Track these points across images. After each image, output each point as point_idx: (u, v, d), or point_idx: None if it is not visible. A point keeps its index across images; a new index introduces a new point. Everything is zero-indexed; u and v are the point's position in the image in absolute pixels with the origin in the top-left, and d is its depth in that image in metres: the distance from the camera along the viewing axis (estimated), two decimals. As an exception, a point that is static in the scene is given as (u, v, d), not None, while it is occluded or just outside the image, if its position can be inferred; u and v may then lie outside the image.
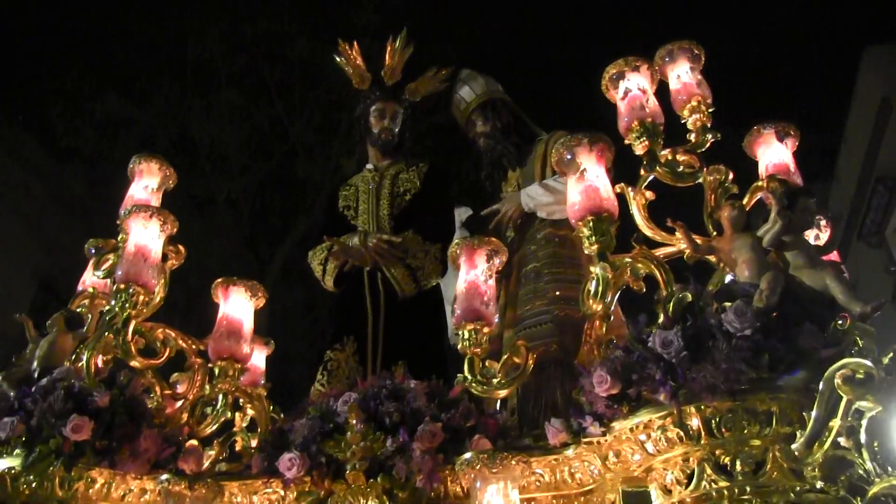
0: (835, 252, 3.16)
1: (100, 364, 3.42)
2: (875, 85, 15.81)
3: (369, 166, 4.77)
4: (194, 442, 3.35)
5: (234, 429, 3.59)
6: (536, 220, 4.37)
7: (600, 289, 2.89)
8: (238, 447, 3.53)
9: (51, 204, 13.11)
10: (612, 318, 3.06)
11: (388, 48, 4.77)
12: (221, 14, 13.99)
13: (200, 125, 14.01)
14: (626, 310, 3.38)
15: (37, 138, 13.36)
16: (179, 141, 14.06)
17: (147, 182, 3.77)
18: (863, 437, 2.37)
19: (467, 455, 2.72)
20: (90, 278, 3.84)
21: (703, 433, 2.54)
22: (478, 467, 2.67)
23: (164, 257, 3.62)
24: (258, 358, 4.14)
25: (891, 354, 2.48)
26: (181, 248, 3.71)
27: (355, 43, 4.79)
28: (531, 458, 2.79)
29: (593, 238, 2.92)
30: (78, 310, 3.70)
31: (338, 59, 4.83)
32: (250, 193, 14.39)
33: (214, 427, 3.36)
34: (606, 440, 2.71)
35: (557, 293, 4.04)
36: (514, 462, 2.72)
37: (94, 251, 3.79)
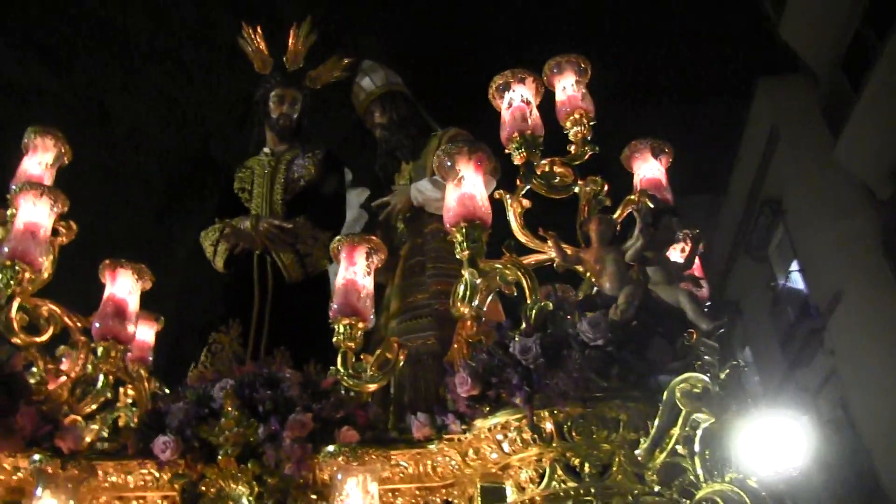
0: (697, 266, 3.37)
1: None
2: (765, 113, 17.42)
3: (266, 150, 4.90)
4: (76, 418, 3.43)
5: (119, 404, 3.69)
6: (425, 214, 4.55)
7: (468, 293, 3.05)
8: (121, 423, 3.64)
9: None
10: (488, 315, 3.24)
11: (291, 34, 4.89)
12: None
13: (119, 99, 13.95)
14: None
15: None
16: (97, 112, 13.95)
17: (41, 158, 3.79)
18: (696, 446, 2.61)
19: (330, 448, 2.91)
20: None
21: (555, 436, 2.77)
22: (339, 460, 2.85)
23: (56, 233, 3.67)
24: (147, 333, 4.26)
25: (727, 370, 2.70)
26: (72, 224, 3.75)
27: (258, 27, 4.88)
28: (394, 452, 2.98)
29: (465, 244, 3.10)
30: None
31: (240, 41, 4.90)
32: (164, 169, 14.38)
33: (94, 406, 3.45)
34: (467, 437, 2.93)
35: (439, 287, 4.23)
36: (374, 457, 2.90)
37: (-19, 221, 3.82)
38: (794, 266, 17.79)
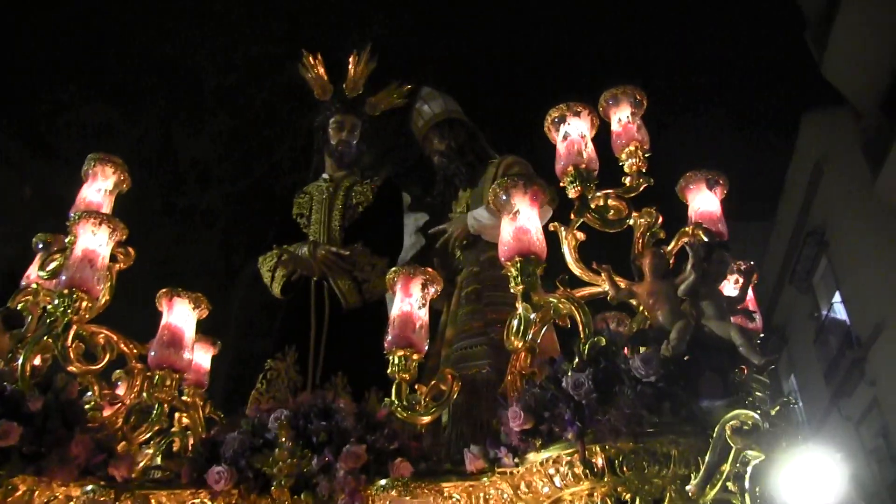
0: (749, 298, 3.54)
1: (38, 363, 3.60)
2: (810, 146, 18.58)
3: (325, 176, 5.13)
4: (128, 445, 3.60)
5: (174, 429, 3.91)
6: (482, 242, 4.74)
7: (522, 327, 3.25)
8: (175, 447, 3.86)
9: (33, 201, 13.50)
10: (543, 345, 3.44)
11: (351, 61, 5.13)
12: (217, 35, 14.55)
13: (184, 137, 14.57)
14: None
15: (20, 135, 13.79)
16: (165, 150, 14.58)
17: (101, 185, 4.01)
18: (747, 483, 2.74)
19: (382, 481, 3.09)
20: (35, 274, 4.07)
21: (606, 471, 2.90)
22: (393, 493, 3.04)
23: (114, 259, 3.86)
24: (203, 358, 4.46)
25: (777, 407, 2.87)
26: (130, 250, 3.94)
27: (318, 54, 5.14)
28: (446, 484, 3.15)
29: (519, 279, 3.28)
30: (19, 306, 3.92)
31: (301, 68, 5.17)
32: (229, 204, 14.92)
33: (148, 435, 3.66)
34: (519, 471, 3.08)
35: (494, 316, 4.39)
36: (427, 490, 3.08)
37: (41, 246, 4.06)
38: (837, 297, 18.80)
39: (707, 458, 2.80)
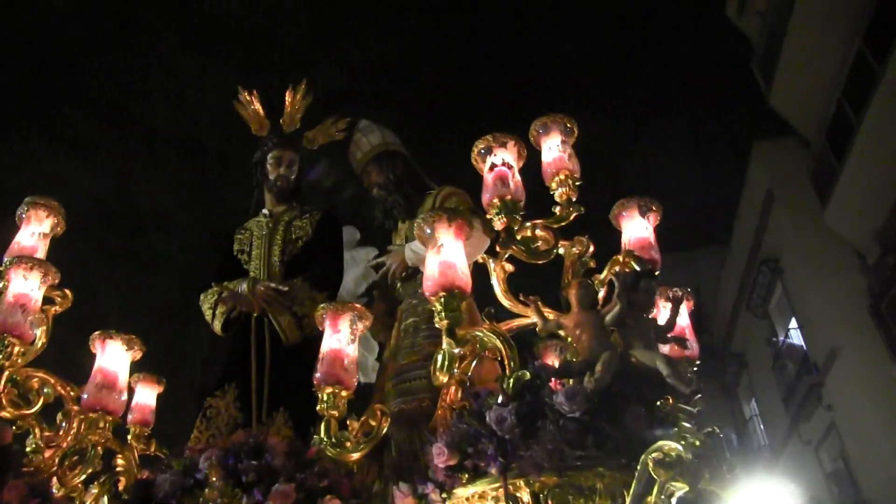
0: (686, 325, 3.44)
1: None
2: (761, 175, 18.85)
3: (265, 211, 5.02)
4: (79, 484, 3.53)
5: (118, 469, 3.79)
6: (420, 273, 4.58)
7: (446, 362, 3.13)
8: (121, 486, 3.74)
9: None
10: (485, 376, 3.34)
11: (287, 95, 5.04)
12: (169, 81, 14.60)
13: (143, 185, 14.63)
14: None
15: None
16: (123, 199, 14.61)
17: (35, 228, 3.92)
18: (672, 516, 2.65)
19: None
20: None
21: (531, 505, 2.81)
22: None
23: (51, 301, 3.78)
24: (149, 396, 4.28)
25: (702, 438, 2.76)
26: (67, 292, 3.84)
27: (254, 91, 5.03)
28: (374, 522, 3.05)
29: (444, 314, 3.15)
30: None
31: (237, 104, 5.07)
32: (186, 249, 15.03)
33: (83, 477, 3.53)
34: (446, 507, 2.97)
35: (432, 349, 4.18)
36: (352, 529, 2.97)
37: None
38: (794, 323, 19.10)
39: (632, 491, 2.69)
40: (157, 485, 3.22)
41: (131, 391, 4.15)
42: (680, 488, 2.62)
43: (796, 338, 18.99)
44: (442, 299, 3.16)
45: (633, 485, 2.68)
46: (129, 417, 4.06)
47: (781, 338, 19.71)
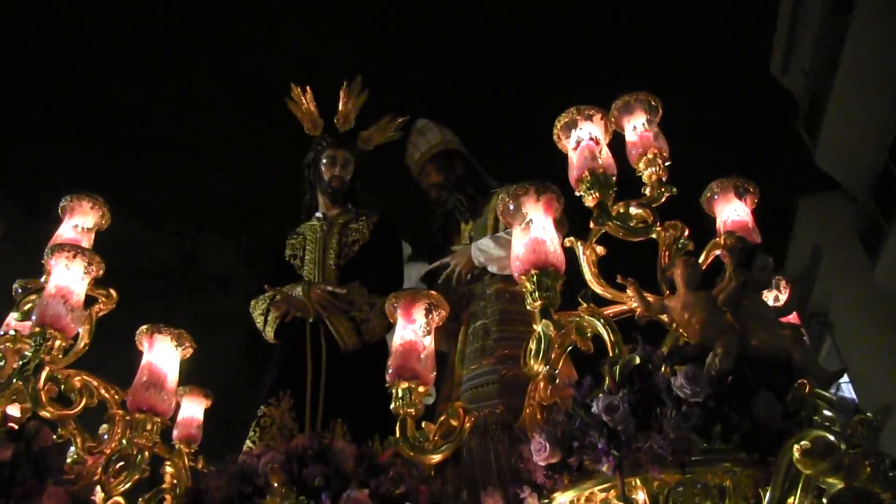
0: (794, 314, 2.90)
1: (17, 414, 3.04)
2: (808, 230, 17.99)
3: (318, 214, 4.48)
4: (119, 500, 3.03)
5: (164, 485, 3.28)
6: (487, 274, 4.09)
7: (542, 348, 2.59)
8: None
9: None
10: (561, 378, 2.77)
11: (342, 94, 4.54)
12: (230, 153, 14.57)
13: (204, 250, 14.53)
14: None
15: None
16: (187, 262, 14.56)
17: (78, 221, 3.44)
18: (823, 519, 2.08)
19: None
20: (13, 321, 3.45)
21: (649, 509, 2.26)
22: (400, 541, 2.36)
23: (94, 300, 3.31)
24: (196, 410, 3.81)
25: (856, 425, 2.22)
26: (112, 291, 3.37)
27: (307, 88, 4.56)
28: (462, 531, 2.49)
29: (537, 294, 2.62)
30: None
31: (290, 104, 4.59)
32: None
33: (128, 485, 2.99)
34: (546, 513, 2.41)
35: (506, 352, 3.73)
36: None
37: (20, 291, 3.46)
38: (845, 377, 17.81)
39: (770, 490, 2.12)
40: (211, 491, 2.68)
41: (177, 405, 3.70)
42: (832, 486, 2.07)
43: (848, 391, 18.27)
44: (534, 278, 2.63)
45: (772, 482, 2.13)
46: (175, 433, 3.61)
47: (833, 391, 18.94)
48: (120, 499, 3.08)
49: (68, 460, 3.07)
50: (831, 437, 2.08)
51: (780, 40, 17.87)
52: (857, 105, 14.64)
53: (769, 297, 2.82)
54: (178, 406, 3.69)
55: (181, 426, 3.66)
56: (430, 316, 2.89)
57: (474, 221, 4.38)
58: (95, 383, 3.15)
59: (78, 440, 3.09)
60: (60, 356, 3.03)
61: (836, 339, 17.72)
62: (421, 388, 2.74)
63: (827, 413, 2.28)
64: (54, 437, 3.03)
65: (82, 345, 3.24)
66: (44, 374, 2.95)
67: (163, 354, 3.09)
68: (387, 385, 2.78)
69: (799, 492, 2.09)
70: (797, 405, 2.29)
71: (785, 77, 18.13)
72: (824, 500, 2.09)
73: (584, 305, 2.68)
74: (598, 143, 2.98)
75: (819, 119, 15.87)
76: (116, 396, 3.16)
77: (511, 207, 2.80)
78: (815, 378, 2.36)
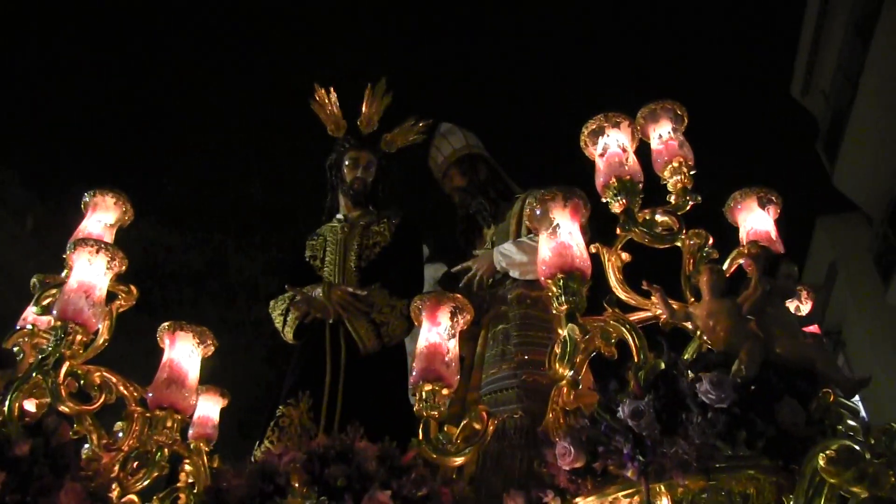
0: (816, 326, 2.90)
1: (34, 409, 3.06)
2: (825, 249, 17.93)
3: (339, 216, 4.47)
4: (132, 498, 3.00)
5: (179, 484, 3.27)
6: (509, 279, 4.07)
7: (568, 352, 2.59)
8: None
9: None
10: (581, 384, 2.76)
11: (365, 96, 4.54)
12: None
13: (235, 256, 14.50)
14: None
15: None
16: (218, 268, 14.51)
17: (101, 216, 3.44)
18: (847, 528, 2.07)
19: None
20: (32, 315, 3.47)
21: (673, 514, 2.25)
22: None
23: (114, 296, 3.29)
24: (212, 410, 3.82)
25: (881, 435, 2.21)
26: (133, 287, 3.35)
27: (332, 89, 4.56)
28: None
29: (563, 298, 2.62)
30: (14, 348, 3.34)
31: (313, 104, 4.59)
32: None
33: (146, 482, 2.97)
34: (568, 518, 2.40)
35: (526, 357, 3.70)
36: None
37: (38, 286, 3.46)
38: (856, 396, 17.80)
39: (794, 498, 2.12)
40: (231, 491, 2.66)
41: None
42: (856, 495, 2.06)
43: (860, 409, 18.19)
44: (560, 282, 2.63)
45: (797, 490, 2.12)
46: (190, 432, 3.62)
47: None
48: (134, 497, 3.08)
49: (83, 456, 3.04)
50: (856, 447, 2.08)
51: (802, 62, 17.86)
52: (876, 128, 14.59)
53: (791, 307, 2.81)
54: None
55: (197, 425, 3.67)
56: (455, 319, 2.88)
57: (496, 226, 4.36)
58: (115, 380, 3.13)
59: (94, 437, 3.05)
60: (81, 351, 3.01)
61: (848, 358, 17.75)
62: (445, 391, 2.73)
63: (851, 423, 2.27)
64: (70, 433, 3.01)
65: (101, 341, 3.21)
66: (64, 369, 2.94)
67: (184, 352, 3.08)
68: (410, 387, 2.77)
69: (823, 500, 2.08)
70: (821, 413, 2.29)
71: (805, 99, 18.11)
72: (847, 510, 2.08)
73: (610, 311, 2.68)
74: (624, 150, 2.98)
75: (838, 141, 15.84)
76: (136, 393, 3.14)
77: (538, 213, 2.80)
78: (838, 386, 2.35)
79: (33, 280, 3.47)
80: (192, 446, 3.40)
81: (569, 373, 2.60)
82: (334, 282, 4.09)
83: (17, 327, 3.49)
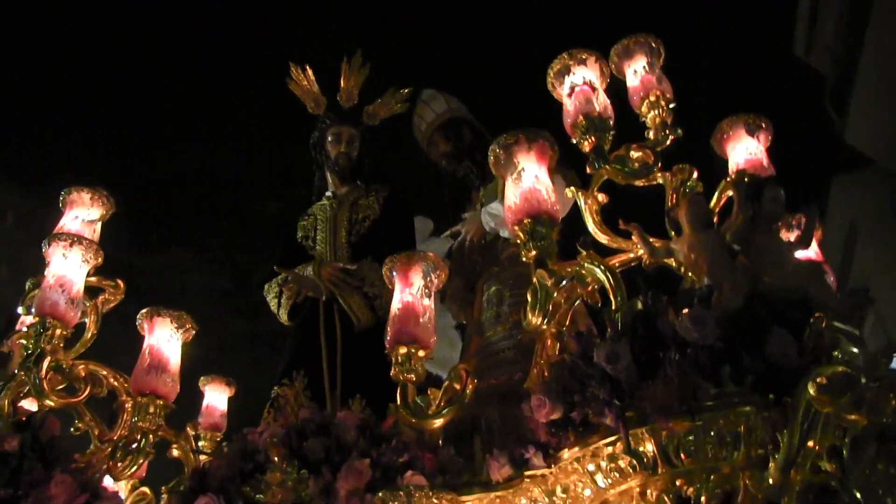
0: (817, 251, 2.64)
1: (28, 406, 2.94)
2: (843, 210, 16.60)
3: (328, 193, 4.32)
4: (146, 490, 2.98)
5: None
6: (500, 240, 3.83)
7: (539, 300, 2.37)
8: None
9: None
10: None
11: (343, 69, 4.36)
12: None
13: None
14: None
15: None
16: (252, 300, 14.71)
17: (78, 213, 3.28)
18: (847, 460, 1.83)
19: (380, 493, 2.21)
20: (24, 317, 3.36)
21: (659, 461, 2.02)
22: (391, 504, 2.15)
23: (100, 291, 3.19)
24: (219, 399, 3.73)
25: (879, 358, 1.96)
26: (119, 282, 3.22)
27: (307, 66, 4.39)
28: (467, 498, 2.27)
29: (531, 244, 2.41)
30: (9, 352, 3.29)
31: (290, 83, 4.43)
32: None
33: (134, 469, 2.83)
34: (552, 472, 2.17)
35: (519, 317, 3.47)
36: (435, 501, 2.19)
37: (30, 287, 3.36)
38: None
39: (787, 433, 1.86)
40: (212, 471, 2.50)
41: (200, 394, 3.71)
42: (854, 423, 1.82)
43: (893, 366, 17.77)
44: (528, 227, 2.41)
45: (790, 424, 1.87)
46: (199, 421, 3.58)
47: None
48: (146, 489, 3.01)
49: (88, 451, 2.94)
50: (850, 371, 1.82)
51: (803, 19, 17.29)
52: (887, 77, 14.01)
53: (790, 235, 2.54)
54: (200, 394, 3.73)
55: (205, 415, 3.62)
56: (429, 278, 2.68)
57: (485, 189, 4.13)
58: (104, 372, 3.02)
59: (95, 431, 2.96)
60: (61, 345, 2.90)
61: (879, 314, 17.29)
62: (421, 353, 2.53)
63: (846, 348, 2.02)
64: (71, 429, 2.94)
65: (89, 335, 3.11)
66: (45, 364, 2.83)
67: (163, 337, 2.94)
68: (386, 351, 2.58)
69: (819, 433, 1.84)
70: (815, 341, 2.03)
71: (809, 56, 17.52)
72: (847, 441, 1.83)
73: (584, 253, 2.44)
74: (593, 87, 2.74)
75: (847, 96, 15.27)
76: (126, 385, 3.02)
77: (502, 159, 2.57)
78: (834, 311, 2.09)
79: (28, 283, 3.36)
80: (205, 442, 3.46)
81: (542, 321, 2.38)
82: (326, 259, 3.96)
83: (16, 329, 3.38)
